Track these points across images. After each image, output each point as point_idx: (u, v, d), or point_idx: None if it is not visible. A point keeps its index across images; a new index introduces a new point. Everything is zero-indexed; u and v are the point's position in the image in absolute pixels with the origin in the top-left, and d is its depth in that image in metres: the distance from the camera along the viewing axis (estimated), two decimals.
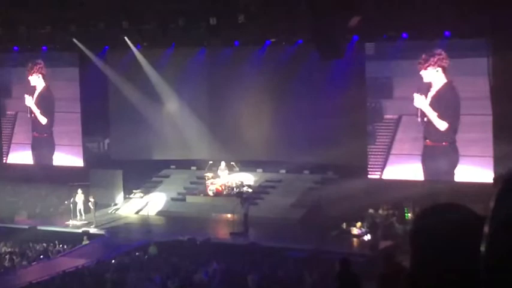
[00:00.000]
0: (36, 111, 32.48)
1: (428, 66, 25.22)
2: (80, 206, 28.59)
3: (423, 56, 25.21)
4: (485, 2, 22.22)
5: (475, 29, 23.75)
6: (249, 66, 29.52)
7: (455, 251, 1.93)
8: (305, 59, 27.95)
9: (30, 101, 32.48)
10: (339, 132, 27.07)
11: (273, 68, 29.03)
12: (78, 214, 28.57)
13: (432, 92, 25.42)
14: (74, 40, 30.04)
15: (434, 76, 25.28)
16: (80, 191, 28.80)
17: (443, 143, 25.47)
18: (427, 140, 25.76)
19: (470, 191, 19.74)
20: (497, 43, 23.62)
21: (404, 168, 26.09)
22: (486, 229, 1.31)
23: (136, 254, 24.06)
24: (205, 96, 31.21)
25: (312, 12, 24.75)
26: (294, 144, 28.59)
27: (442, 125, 25.33)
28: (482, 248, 1.28)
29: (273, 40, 28.72)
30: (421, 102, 25.48)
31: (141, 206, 30.19)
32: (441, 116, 25.37)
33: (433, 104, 25.45)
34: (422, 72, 25.33)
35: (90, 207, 28.04)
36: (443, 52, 25.01)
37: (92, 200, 28.06)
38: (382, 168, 26.48)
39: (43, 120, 32.46)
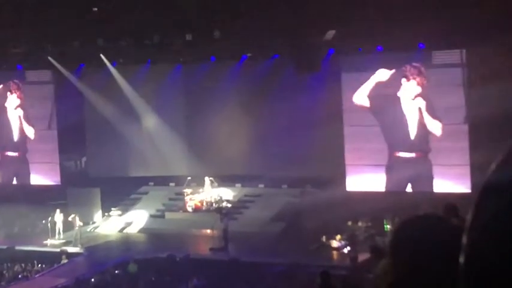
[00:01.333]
0: (13, 130, 32.21)
1: (409, 77, 25.37)
2: (59, 225, 28.38)
3: (406, 67, 25.35)
4: (459, 14, 22.42)
5: (450, 40, 23.99)
6: (226, 82, 29.55)
7: (436, 263, 1.94)
8: (281, 73, 28.07)
9: (7, 119, 32.24)
10: (316, 145, 27.13)
11: (249, 82, 29.09)
12: (57, 233, 28.36)
13: (410, 102, 25.57)
14: (49, 58, 29.90)
15: (413, 87, 25.43)
16: (58, 210, 28.59)
17: (416, 154, 25.64)
18: (398, 152, 25.89)
19: (448, 201, 19.82)
20: (472, 54, 23.86)
21: (371, 179, 26.23)
22: (464, 240, 1.31)
23: (116, 272, 23.90)
24: (183, 112, 31.18)
25: (288, 26, 24.89)
26: (272, 158, 28.60)
27: (436, 130, 25.39)
28: (461, 259, 1.29)
29: (249, 55, 28.80)
30: (411, 109, 25.54)
31: (120, 223, 30.03)
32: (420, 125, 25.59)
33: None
34: (404, 83, 25.46)
35: (73, 226, 27.74)
36: (420, 65, 25.22)
37: (72, 218, 27.79)
38: (357, 180, 26.62)
39: (18, 138, 32.18)
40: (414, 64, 25.34)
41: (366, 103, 26.13)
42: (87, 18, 27.14)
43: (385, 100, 25.81)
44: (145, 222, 29.62)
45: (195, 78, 30.21)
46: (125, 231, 29.22)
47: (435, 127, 25.22)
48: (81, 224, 28.05)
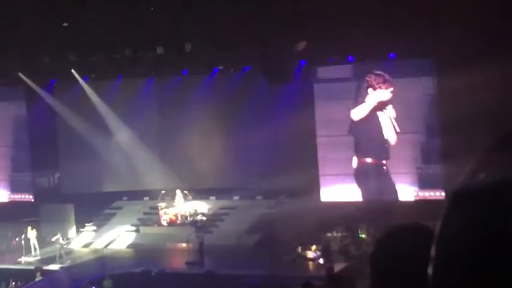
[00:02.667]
0: None
1: (375, 86, 25.56)
2: (33, 241, 28.15)
3: (371, 76, 25.53)
4: (429, 23, 22.64)
5: (420, 49, 24.19)
6: (198, 95, 29.56)
7: (415, 273, 1.96)
8: (253, 85, 28.16)
9: None
10: (290, 156, 27.19)
11: (222, 95, 29.12)
12: (32, 250, 28.11)
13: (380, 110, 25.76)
14: (20, 74, 29.70)
15: (380, 95, 25.61)
16: (29, 227, 28.35)
17: (384, 161, 25.83)
18: (367, 158, 26.04)
19: (422, 208, 19.99)
20: (441, 63, 24.08)
21: (345, 189, 26.37)
22: (432, 251, 1.31)
23: None
24: (155, 126, 31.12)
25: (259, 38, 24.96)
26: (246, 170, 28.62)
27: (392, 140, 25.58)
28: (429, 271, 1.29)
29: (220, 68, 28.83)
30: (383, 116, 25.69)
31: (94, 239, 29.82)
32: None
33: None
34: (371, 92, 25.65)
35: (56, 244, 27.51)
36: (386, 74, 25.42)
37: (55, 239, 27.60)
38: (331, 190, 26.74)
39: None
40: (377, 72, 25.54)
41: (363, 117, 26.19)
42: (57, 33, 27.01)
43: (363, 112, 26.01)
44: (120, 237, 29.43)
45: (167, 91, 30.19)
46: (98, 246, 29.00)
47: (392, 135, 25.49)
48: (65, 242, 27.87)
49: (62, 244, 27.57)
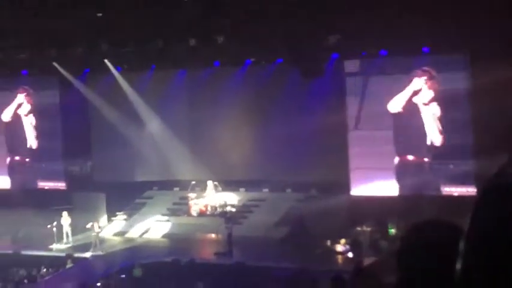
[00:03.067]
0: (22, 135, 32.37)
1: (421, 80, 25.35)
2: (67, 229, 28.46)
3: (417, 72, 25.30)
4: (465, 17, 22.41)
5: (454, 44, 23.95)
6: (230, 86, 29.59)
7: (439, 268, 1.97)
8: (285, 78, 28.10)
9: (15, 125, 32.42)
10: (321, 149, 27.11)
11: (253, 87, 29.13)
12: (64, 237, 28.42)
13: (424, 107, 25.51)
14: (54, 64, 30.00)
15: (425, 92, 25.38)
16: (65, 213, 28.64)
17: (426, 159, 25.59)
18: (408, 155, 25.86)
19: (453, 205, 19.85)
20: (476, 57, 23.84)
21: (376, 183, 26.21)
22: (461, 246, 1.31)
23: (121, 276, 23.93)
24: (187, 117, 31.21)
25: (292, 31, 24.92)
26: (276, 162, 28.62)
27: (436, 139, 25.34)
28: (458, 266, 1.29)
29: (252, 60, 28.83)
30: (426, 114, 25.48)
31: (125, 228, 30.08)
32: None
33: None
34: (416, 86, 25.41)
35: (92, 231, 27.72)
36: (430, 69, 25.16)
37: (90, 226, 27.87)
38: (361, 184, 26.61)
39: (26, 143, 32.35)
40: (424, 68, 25.29)
41: (399, 110, 26.00)
42: (91, 24, 27.22)
43: (407, 104, 25.74)
44: (150, 227, 29.63)
45: (198, 83, 30.26)
46: (129, 235, 29.26)
47: (438, 135, 25.23)
48: (100, 229, 28.11)
49: (97, 232, 27.76)
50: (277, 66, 28.50)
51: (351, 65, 26.76)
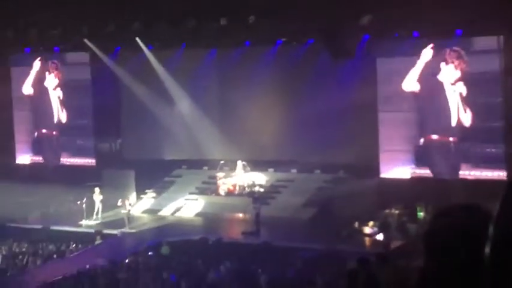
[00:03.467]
0: (52, 109, 32.65)
1: (448, 61, 25.09)
2: (98, 205, 28.71)
3: (446, 50, 25.05)
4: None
5: (487, 26, 23.67)
6: (260, 66, 29.54)
7: (466, 251, 1.95)
8: (316, 58, 27.99)
9: (45, 99, 32.70)
10: (350, 131, 27.03)
11: (284, 67, 29.04)
12: (94, 214, 28.69)
13: (450, 86, 25.27)
14: (86, 41, 30.15)
15: (452, 71, 25.14)
16: (97, 190, 28.89)
17: (451, 138, 25.39)
18: (433, 135, 25.66)
19: (482, 188, 19.68)
20: (509, 39, 23.55)
21: (406, 166, 26.07)
22: (491, 230, 1.30)
23: (149, 253, 24.12)
24: (216, 96, 31.25)
25: (323, 11, 24.77)
26: (305, 143, 28.59)
27: (465, 119, 25.12)
28: (487, 250, 1.28)
29: (283, 40, 28.72)
30: (452, 93, 25.27)
31: (154, 206, 30.28)
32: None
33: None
34: (443, 67, 25.18)
35: (123, 208, 27.90)
36: (461, 49, 24.90)
37: (121, 202, 28.11)
38: (391, 167, 26.50)
39: (56, 118, 32.61)
40: (454, 48, 25.02)
41: (416, 88, 25.81)
42: (123, 1, 27.29)
43: (431, 84, 25.50)
44: (178, 205, 29.81)
45: (229, 62, 30.24)
46: (157, 213, 29.48)
47: (466, 115, 24.96)
48: (131, 207, 28.27)
49: (128, 209, 27.95)
50: (308, 47, 28.38)
51: (383, 47, 26.55)
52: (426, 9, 23.41)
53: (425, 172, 25.90)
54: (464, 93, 24.86)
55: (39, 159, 33.44)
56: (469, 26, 24.17)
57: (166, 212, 29.54)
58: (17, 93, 33.36)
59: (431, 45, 25.11)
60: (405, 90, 25.82)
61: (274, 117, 29.47)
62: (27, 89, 33.06)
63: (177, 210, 29.61)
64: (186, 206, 29.75)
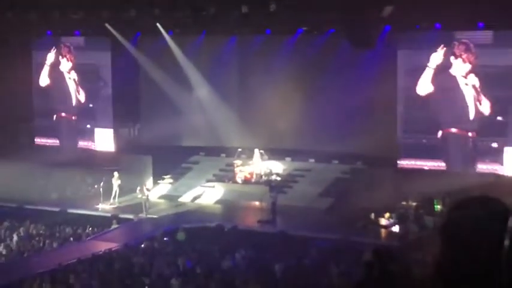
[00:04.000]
0: (69, 93, 32.73)
1: (457, 54, 24.99)
2: (116, 188, 28.85)
3: (455, 43, 24.95)
4: None
5: (509, 20, 23.47)
6: (280, 55, 29.51)
7: (484, 244, 1.94)
8: (336, 48, 27.92)
9: (63, 83, 32.82)
10: (368, 122, 26.96)
11: (304, 56, 28.98)
12: (112, 198, 28.83)
13: (463, 79, 25.17)
14: (107, 25, 30.20)
15: (461, 64, 25.04)
16: (116, 174, 29.01)
17: (469, 133, 25.27)
18: (451, 128, 25.56)
19: (502, 183, 19.61)
20: None
21: (424, 159, 25.99)
22: (510, 224, 1.30)
23: (165, 239, 24.22)
24: (236, 84, 31.26)
25: (345, 1, 24.65)
26: (323, 133, 28.55)
27: (485, 109, 24.97)
28: (506, 242, 1.28)
29: (304, 29, 28.64)
30: (466, 86, 25.14)
31: (170, 191, 30.38)
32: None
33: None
34: (453, 61, 25.10)
35: (142, 195, 27.94)
36: (469, 41, 24.79)
37: (140, 189, 28.15)
38: (409, 158, 26.44)
39: (73, 102, 32.70)
40: (463, 40, 24.92)
41: (430, 89, 25.75)
42: None
43: (445, 79, 25.39)
44: (195, 192, 29.88)
45: (249, 50, 30.22)
46: (174, 199, 29.57)
47: (485, 105, 24.83)
48: (149, 192, 28.30)
49: (147, 195, 27.98)
50: (328, 36, 28.29)
51: (404, 38, 26.41)
52: (449, 1, 23.24)
53: (443, 165, 25.80)
54: (477, 85, 24.73)
55: (56, 142, 33.57)
56: (492, 20, 23.96)
57: (184, 198, 29.62)
58: (37, 77, 33.48)
59: (442, 47, 25.02)
60: (421, 95, 25.77)
61: (293, 106, 29.41)
62: (44, 80, 33.18)
63: (195, 197, 29.65)
64: (203, 193, 29.81)
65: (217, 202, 29.09)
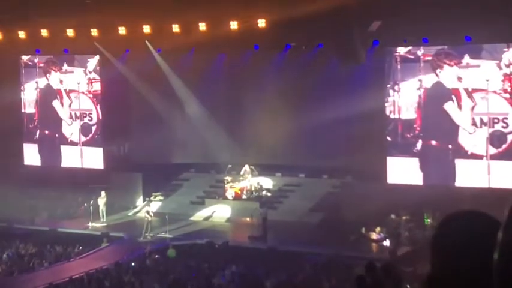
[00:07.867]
0: (57, 110, 32.58)
1: (442, 65, 25.11)
2: (102, 207, 28.73)
3: (442, 55, 25.08)
4: (509, 6, 22.08)
5: (497, 33, 23.62)
6: (269, 71, 29.57)
7: (475, 258, 1.95)
8: (325, 64, 28.00)
9: (57, 103, 32.69)
10: (357, 136, 26.98)
11: (293, 72, 29.03)
12: (100, 216, 28.72)
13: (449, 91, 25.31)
14: (96, 44, 30.21)
15: (448, 74, 25.16)
16: (103, 193, 28.93)
17: (449, 145, 25.34)
18: (432, 141, 25.63)
19: (490, 196, 19.66)
20: None
21: (413, 172, 26.02)
22: (499, 236, 1.30)
23: (156, 256, 24.14)
24: (225, 100, 31.27)
25: (333, 16, 24.73)
26: (313, 148, 28.58)
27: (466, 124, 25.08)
28: (495, 256, 1.28)
29: (293, 44, 28.72)
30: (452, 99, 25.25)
31: (161, 208, 30.27)
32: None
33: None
34: (439, 73, 25.22)
35: (146, 218, 27.48)
36: (454, 52, 24.95)
37: (146, 213, 27.78)
38: (398, 173, 26.46)
39: (59, 119, 32.52)
40: (447, 51, 25.08)
41: (416, 114, 25.93)
42: (133, 4, 27.32)
43: (433, 90, 25.51)
44: (186, 208, 29.80)
45: (238, 66, 30.26)
46: (164, 216, 29.46)
47: (466, 120, 24.94)
48: (152, 217, 27.67)
49: (149, 218, 27.53)
50: (317, 52, 28.37)
51: (393, 53, 26.51)
52: (436, 16, 23.38)
53: (428, 177, 25.83)
54: (470, 89, 24.78)
55: (42, 160, 33.29)
56: (479, 33, 24.09)
57: (172, 214, 29.47)
58: (26, 95, 33.34)
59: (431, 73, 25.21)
60: (411, 101, 25.85)
61: (282, 122, 29.45)
62: (31, 106, 33.00)
63: (183, 213, 29.52)
64: (193, 209, 29.73)
65: (206, 218, 29.02)
